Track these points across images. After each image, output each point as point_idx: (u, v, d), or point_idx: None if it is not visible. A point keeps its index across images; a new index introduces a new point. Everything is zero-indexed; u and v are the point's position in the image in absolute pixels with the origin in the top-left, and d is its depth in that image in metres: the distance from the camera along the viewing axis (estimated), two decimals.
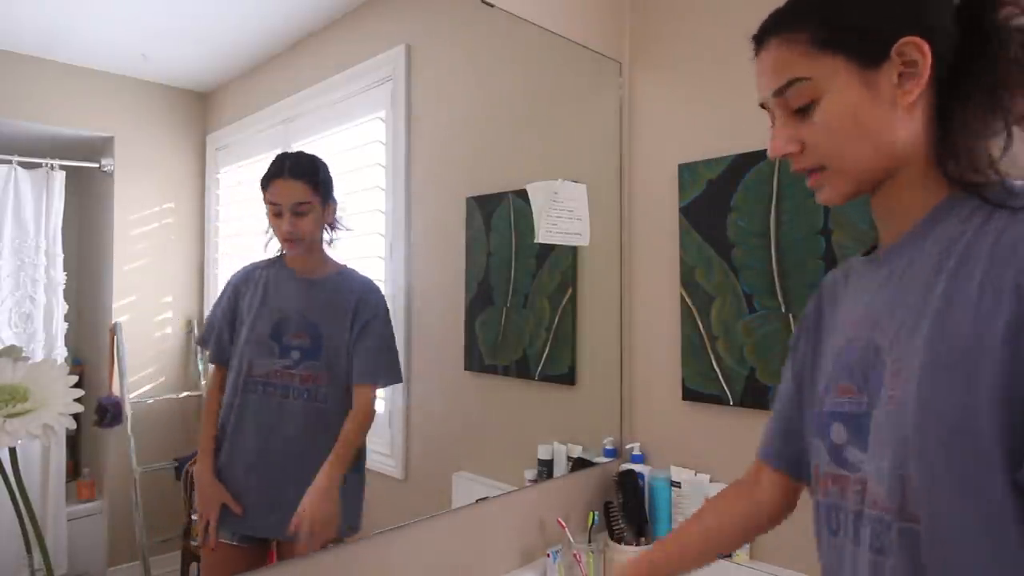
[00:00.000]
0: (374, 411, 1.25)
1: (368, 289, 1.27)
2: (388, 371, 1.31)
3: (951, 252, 0.60)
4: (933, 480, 0.56)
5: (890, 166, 0.65)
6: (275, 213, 1.15)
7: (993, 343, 0.55)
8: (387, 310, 1.29)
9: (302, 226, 1.16)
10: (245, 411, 1.12)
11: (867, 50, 0.62)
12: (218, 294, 1.12)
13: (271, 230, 1.16)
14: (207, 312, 1.12)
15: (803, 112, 0.66)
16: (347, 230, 1.22)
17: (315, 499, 1.15)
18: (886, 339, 0.63)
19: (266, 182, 1.15)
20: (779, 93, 0.67)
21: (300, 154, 1.17)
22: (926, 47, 0.60)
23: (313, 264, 1.20)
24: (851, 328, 0.70)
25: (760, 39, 0.69)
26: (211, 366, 1.12)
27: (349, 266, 1.24)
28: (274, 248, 1.16)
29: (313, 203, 1.16)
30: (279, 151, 1.16)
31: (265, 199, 1.14)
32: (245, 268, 1.15)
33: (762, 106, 0.71)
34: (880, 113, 0.63)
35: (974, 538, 0.55)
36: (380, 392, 1.36)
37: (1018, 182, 0.60)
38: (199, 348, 1.11)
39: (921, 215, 0.65)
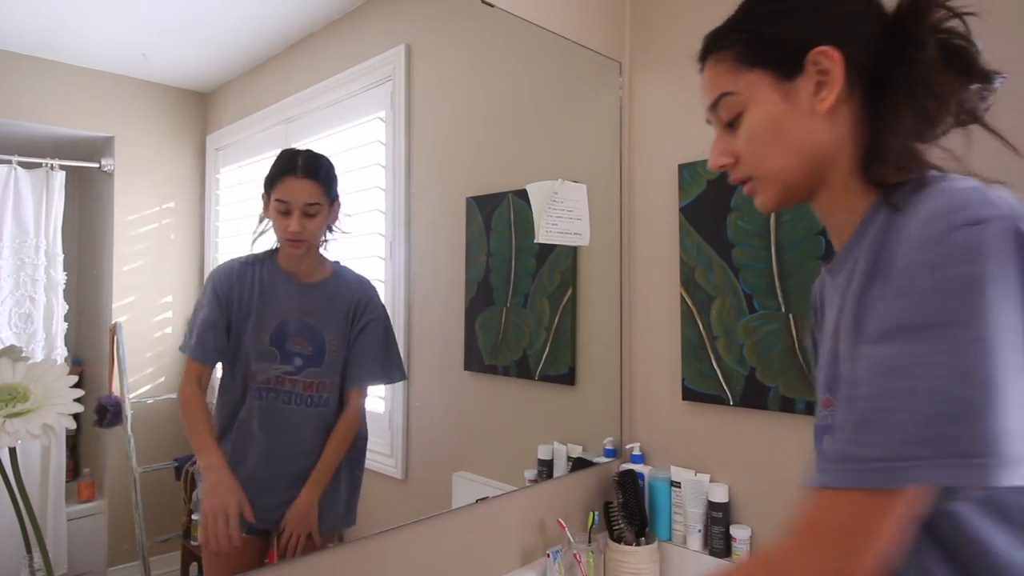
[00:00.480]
0: (361, 416, 1.24)
1: (365, 289, 1.26)
2: (391, 370, 1.31)
3: (869, 262, 0.60)
4: None
5: (817, 173, 0.66)
6: (282, 211, 1.11)
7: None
8: (385, 309, 1.28)
9: (311, 227, 1.14)
10: (250, 418, 1.11)
11: (783, 62, 0.65)
12: (199, 297, 1.09)
13: (268, 228, 1.14)
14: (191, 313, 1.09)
15: (732, 125, 0.69)
16: (344, 233, 1.21)
17: (295, 515, 1.14)
18: (844, 352, 0.64)
19: (274, 179, 1.12)
20: (712, 108, 0.71)
21: (311, 152, 1.15)
22: (837, 55, 0.62)
23: (310, 267, 1.18)
24: (827, 339, 0.71)
25: (700, 60, 0.73)
26: (187, 363, 1.08)
27: (341, 263, 1.22)
28: (263, 244, 1.14)
29: (323, 204, 1.15)
30: (279, 151, 1.16)
31: (271, 196, 1.11)
32: (227, 265, 1.11)
33: (708, 122, 0.74)
34: (800, 122, 0.65)
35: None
36: (380, 392, 1.36)
37: (937, 177, 0.59)
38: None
39: (858, 221, 0.65)
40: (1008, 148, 0.64)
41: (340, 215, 1.19)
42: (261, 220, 1.15)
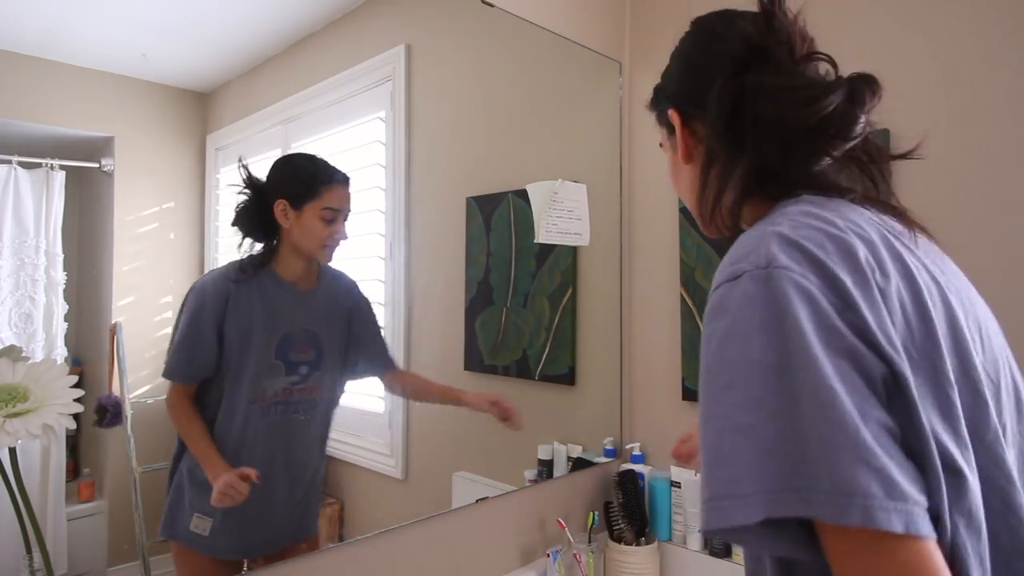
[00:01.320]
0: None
1: (353, 287, 1.26)
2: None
3: None
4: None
5: (712, 212, 0.72)
6: (329, 219, 1.13)
7: None
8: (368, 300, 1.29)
9: (346, 232, 1.16)
10: (263, 439, 1.09)
11: (665, 123, 0.77)
12: (181, 315, 1.04)
13: (296, 234, 1.10)
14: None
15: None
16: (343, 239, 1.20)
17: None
18: None
19: (320, 187, 1.12)
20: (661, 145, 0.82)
21: (327, 161, 1.17)
22: (676, 116, 0.73)
23: (309, 273, 1.18)
24: None
25: None
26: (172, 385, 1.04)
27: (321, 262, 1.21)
28: (235, 253, 1.10)
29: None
30: (279, 151, 1.16)
31: (318, 204, 1.11)
32: (212, 280, 1.06)
33: None
34: (680, 167, 0.75)
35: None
36: (380, 392, 1.36)
37: (782, 206, 0.61)
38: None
39: None
40: (879, 186, 0.70)
41: None
42: (250, 231, 1.09)
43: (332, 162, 1.17)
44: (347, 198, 1.17)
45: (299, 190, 1.11)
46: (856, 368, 0.48)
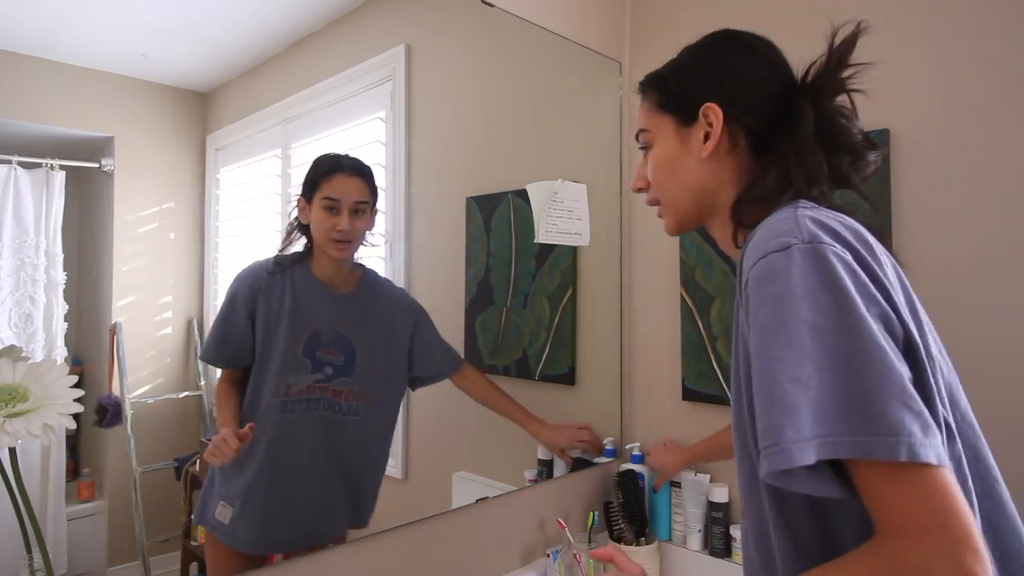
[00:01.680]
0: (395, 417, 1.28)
1: (401, 296, 1.26)
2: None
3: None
4: (742, 486, 0.71)
5: (703, 206, 0.79)
6: (330, 208, 1.11)
7: (738, 360, 0.68)
8: (422, 307, 1.30)
9: (359, 226, 1.14)
10: (286, 434, 1.10)
11: (683, 112, 0.78)
12: (223, 300, 1.08)
13: (297, 238, 1.12)
14: (210, 316, 1.08)
15: (646, 155, 0.84)
16: (374, 245, 1.20)
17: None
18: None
19: (321, 177, 1.11)
20: (636, 137, 0.86)
21: (349, 155, 1.16)
22: (720, 112, 0.75)
23: (345, 275, 1.18)
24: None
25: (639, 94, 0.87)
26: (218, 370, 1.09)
27: (367, 266, 1.23)
28: (293, 247, 1.13)
29: (369, 203, 1.16)
30: (279, 151, 1.16)
31: (316, 195, 1.11)
32: (252, 270, 1.10)
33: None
34: (689, 163, 0.78)
35: (763, 536, 0.68)
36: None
37: (787, 205, 0.68)
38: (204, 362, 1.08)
39: (736, 252, 0.75)
40: (873, 209, 0.80)
41: (375, 222, 1.20)
42: (291, 230, 1.12)
43: None
44: (352, 187, 1.14)
45: (308, 183, 1.13)
46: (888, 330, 0.57)
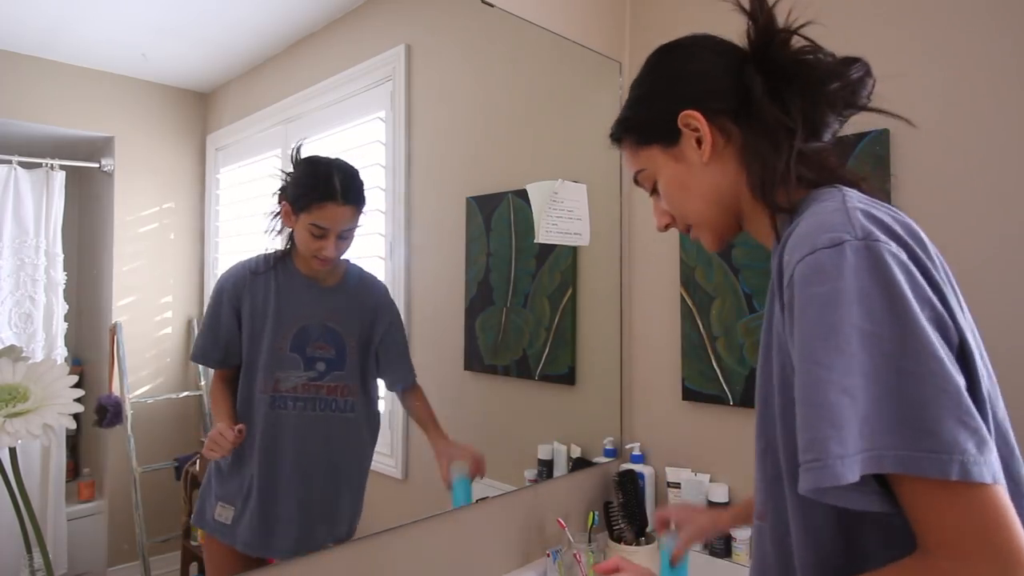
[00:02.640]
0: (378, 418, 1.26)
1: (381, 289, 1.26)
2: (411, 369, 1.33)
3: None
4: (761, 487, 0.69)
5: (730, 208, 0.76)
6: (317, 235, 1.10)
7: (768, 356, 0.65)
8: (397, 308, 1.29)
9: (344, 247, 1.13)
10: (277, 432, 1.09)
11: (663, 135, 0.76)
12: (209, 300, 1.07)
13: (295, 243, 1.12)
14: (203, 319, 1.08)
15: (655, 192, 0.81)
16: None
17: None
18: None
19: (311, 203, 1.09)
20: (636, 182, 0.83)
21: (347, 171, 1.13)
22: (697, 114, 0.72)
23: (330, 271, 1.17)
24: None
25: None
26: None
27: (350, 260, 1.22)
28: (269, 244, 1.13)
29: (356, 225, 1.14)
30: (279, 151, 1.16)
31: (304, 217, 1.09)
32: (236, 270, 1.09)
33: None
34: (695, 175, 0.75)
35: (782, 543, 0.65)
36: (380, 392, 1.36)
37: (819, 195, 0.65)
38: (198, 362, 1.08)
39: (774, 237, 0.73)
40: (902, 121, 0.73)
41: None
42: (276, 224, 1.12)
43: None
44: (342, 218, 1.12)
45: (296, 198, 1.11)
46: (943, 335, 0.54)
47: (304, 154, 1.13)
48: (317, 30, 1.20)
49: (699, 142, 0.74)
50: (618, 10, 1.85)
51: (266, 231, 1.12)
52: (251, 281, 1.10)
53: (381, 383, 1.28)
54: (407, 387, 1.31)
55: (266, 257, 1.11)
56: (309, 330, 1.12)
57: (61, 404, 0.75)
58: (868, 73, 0.70)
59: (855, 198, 0.62)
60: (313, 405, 1.12)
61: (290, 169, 1.12)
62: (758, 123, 0.70)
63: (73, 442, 1.01)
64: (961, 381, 0.52)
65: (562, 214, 1.63)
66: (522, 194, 1.57)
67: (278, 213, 1.12)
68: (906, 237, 0.57)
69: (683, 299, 1.68)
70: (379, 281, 1.27)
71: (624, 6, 1.86)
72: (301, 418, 1.11)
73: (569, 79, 1.73)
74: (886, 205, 0.63)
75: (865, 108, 0.71)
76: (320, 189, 1.11)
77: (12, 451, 0.74)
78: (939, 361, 0.51)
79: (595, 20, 1.78)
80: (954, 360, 0.53)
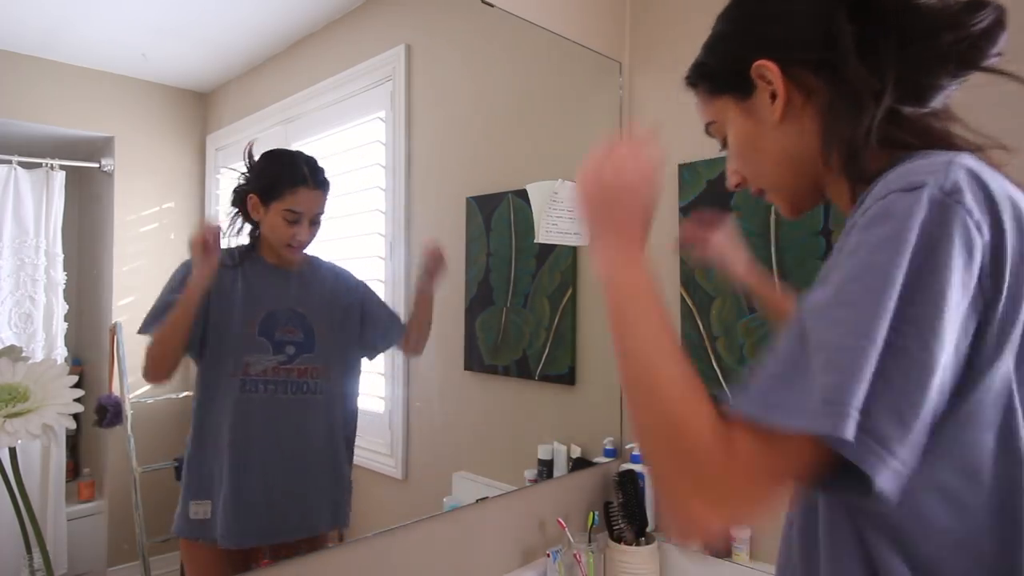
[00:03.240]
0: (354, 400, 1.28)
1: (340, 271, 1.25)
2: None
3: None
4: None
5: (807, 174, 0.67)
6: (291, 220, 1.11)
7: None
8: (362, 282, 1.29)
9: (314, 233, 1.14)
10: (248, 416, 1.10)
11: (736, 85, 0.67)
12: (173, 278, 1.03)
13: (242, 227, 1.12)
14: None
15: (726, 147, 0.73)
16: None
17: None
18: None
19: (283, 188, 1.10)
20: (707, 133, 0.75)
21: (312, 159, 1.15)
22: (772, 65, 0.63)
23: (296, 258, 1.18)
24: None
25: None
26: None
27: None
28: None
29: (324, 211, 1.15)
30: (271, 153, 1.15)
31: (276, 204, 1.10)
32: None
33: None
34: (766, 133, 0.67)
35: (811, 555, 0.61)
36: (380, 392, 1.36)
37: (939, 152, 0.56)
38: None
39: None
40: None
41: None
42: (241, 221, 1.11)
43: (330, 162, 1.17)
44: (314, 202, 1.14)
45: (266, 188, 1.11)
46: (976, 334, 0.49)
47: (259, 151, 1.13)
48: (317, 30, 1.20)
49: (773, 97, 0.64)
50: (618, 10, 1.85)
51: (225, 232, 1.09)
52: (220, 273, 1.08)
53: (372, 385, 1.28)
54: (403, 336, 1.33)
55: (231, 252, 1.10)
56: (276, 315, 1.13)
57: (61, 404, 0.75)
58: (998, 22, 0.57)
59: (971, 159, 0.52)
60: (284, 388, 1.13)
61: (243, 169, 1.12)
62: (842, 81, 0.60)
63: (73, 442, 1.01)
64: (948, 377, 0.49)
65: (562, 214, 1.63)
66: (522, 194, 1.57)
67: (241, 209, 1.11)
68: (1007, 222, 0.49)
69: (683, 299, 1.68)
70: (338, 266, 1.25)
71: (624, 6, 1.86)
72: (272, 401, 1.11)
73: (569, 79, 1.73)
74: (1013, 186, 0.53)
75: (987, 69, 0.59)
76: (291, 175, 1.12)
77: (12, 451, 0.74)
78: (933, 356, 0.47)
79: (595, 20, 1.78)
80: (961, 354, 0.49)
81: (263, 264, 1.14)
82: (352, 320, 1.24)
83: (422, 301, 1.34)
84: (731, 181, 0.75)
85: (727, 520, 0.51)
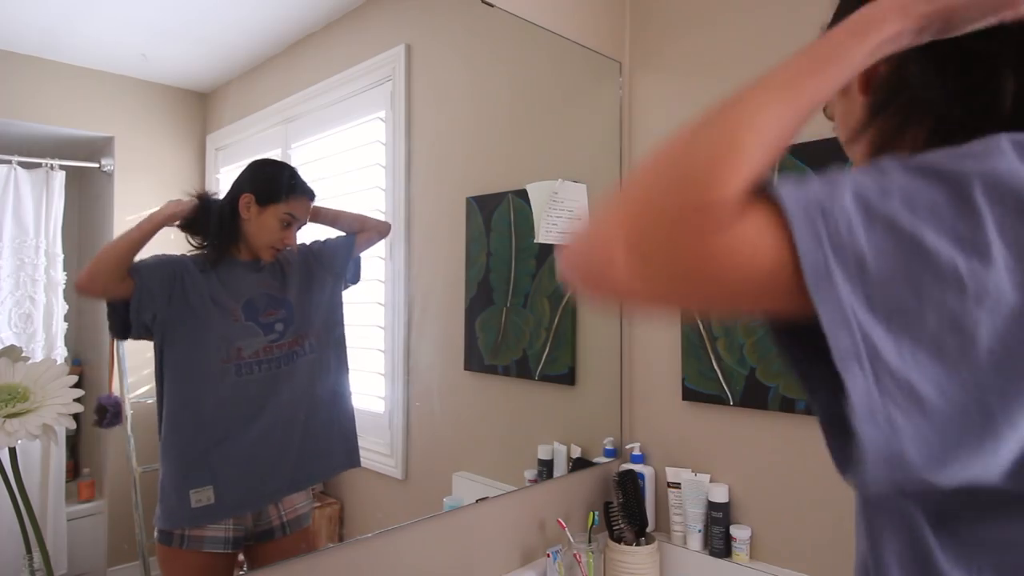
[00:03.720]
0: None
1: (305, 249, 1.25)
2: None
3: None
4: (857, 509, 0.59)
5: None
6: (287, 224, 1.15)
7: None
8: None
9: (296, 240, 1.18)
10: (243, 393, 1.10)
11: None
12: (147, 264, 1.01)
13: (249, 229, 1.12)
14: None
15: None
16: None
17: None
18: None
19: (288, 193, 1.14)
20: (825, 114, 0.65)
21: (298, 172, 1.19)
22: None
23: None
24: None
25: None
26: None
27: None
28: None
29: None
30: (279, 151, 1.16)
31: (280, 207, 1.13)
32: (177, 258, 1.06)
33: None
34: (856, 116, 0.59)
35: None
36: (380, 392, 1.36)
37: None
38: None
39: None
40: None
41: None
42: (232, 219, 1.10)
43: (330, 162, 1.19)
44: (307, 211, 1.18)
45: (268, 190, 1.13)
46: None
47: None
48: (317, 30, 1.20)
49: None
50: (618, 10, 1.85)
51: (218, 232, 1.09)
52: (190, 268, 1.08)
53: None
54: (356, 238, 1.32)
55: (205, 258, 1.09)
56: (254, 301, 1.15)
57: (61, 404, 0.75)
58: None
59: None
60: (279, 362, 1.15)
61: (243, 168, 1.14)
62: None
63: (73, 442, 1.01)
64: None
65: (562, 214, 1.63)
66: (522, 194, 1.57)
67: (229, 205, 1.11)
68: None
69: None
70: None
71: (624, 6, 1.86)
72: (269, 375, 1.13)
73: (569, 79, 1.73)
74: None
75: None
76: (292, 183, 1.16)
77: (12, 451, 0.74)
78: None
79: (595, 20, 1.78)
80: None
81: (235, 262, 1.14)
82: (318, 273, 1.26)
83: (343, 226, 1.31)
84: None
85: (658, 284, 0.42)
